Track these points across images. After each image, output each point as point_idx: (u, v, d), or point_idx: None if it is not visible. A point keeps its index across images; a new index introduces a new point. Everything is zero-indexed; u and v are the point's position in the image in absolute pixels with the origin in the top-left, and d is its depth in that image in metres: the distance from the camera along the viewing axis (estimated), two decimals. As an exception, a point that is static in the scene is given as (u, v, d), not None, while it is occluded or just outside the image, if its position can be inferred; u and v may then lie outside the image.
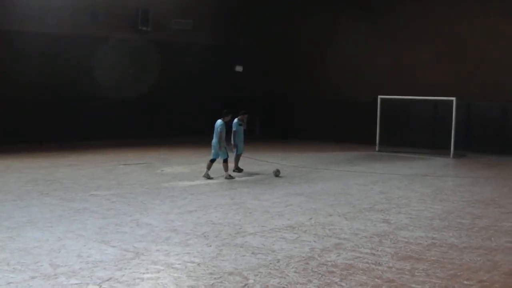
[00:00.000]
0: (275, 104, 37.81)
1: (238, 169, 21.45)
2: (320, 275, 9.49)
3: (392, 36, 33.23)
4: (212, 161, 20.42)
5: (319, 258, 10.30)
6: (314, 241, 11.45)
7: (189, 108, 36.05)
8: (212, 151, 20.43)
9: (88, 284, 9.03)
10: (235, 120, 21.26)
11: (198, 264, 9.93)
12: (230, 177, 20.17)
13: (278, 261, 10.11)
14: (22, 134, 29.54)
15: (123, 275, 9.41)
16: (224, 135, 20.25)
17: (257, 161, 25.07)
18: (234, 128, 21.19)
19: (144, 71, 33.53)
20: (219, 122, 20.32)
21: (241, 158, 22.01)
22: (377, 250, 10.88)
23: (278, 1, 37.54)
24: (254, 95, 37.71)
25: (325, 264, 9.96)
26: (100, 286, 8.96)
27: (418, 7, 32.51)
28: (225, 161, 20.24)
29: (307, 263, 9.99)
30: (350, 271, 9.63)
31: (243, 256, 10.39)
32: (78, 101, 31.65)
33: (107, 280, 9.19)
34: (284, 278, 9.36)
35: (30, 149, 27.22)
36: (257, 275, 9.46)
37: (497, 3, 30.15)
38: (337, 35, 35.25)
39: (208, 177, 20.04)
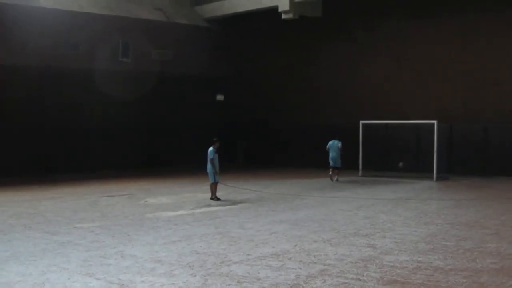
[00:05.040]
0: (257, 132, 37.92)
1: (216, 198, 21.55)
2: (306, 302, 9.46)
3: (372, 60, 33.49)
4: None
5: (304, 285, 10.24)
6: (300, 268, 11.40)
7: (170, 138, 36.03)
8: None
9: (73, 317, 8.95)
10: (210, 148, 21.64)
11: (184, 295, 9.88)
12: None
13: (264, 289, 10.07)
14: (4, 167, 29.50)
15: (108, 307, 9.33)
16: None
17: (240, 189, 25.05)
18: (211, 156, 21.63)
19: (125, 102, 33.47)
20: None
21: (224, 187, 22.04)
22: (363, 275, 10.84)
23: (257, 31, 37.76)
24: (236, 124, 37.85)
25: (311, 291, 9.93)
26: (85, 319, 8.89)
27: (397, 31, 32.80)
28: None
29: (293, 290, 9.96)
30: (336, 297, 9.61)
31: (229, 285, 10.32)
32: (60, 133, 31.62)
33: (92, 313, 9.11)
34: (270, 306, 9.34)
35: (12, 183, 27.08)
36: (243, 303, 9.41)
37: (476, 25, 30.43)
38: (318, 61, 35.57)
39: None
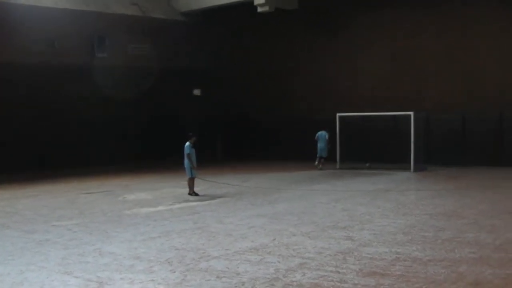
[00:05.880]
0: (237, 126, 37.92)
1: (194, 193, 21.50)
2: (286, 296, 9.46)
3: (352, 53, 33.57)
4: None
5: (284, 279, 10.24)
6: (279, 262, 11.40)
7: (148, 133, 35.85)
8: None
9: (51, 316, 8.89)
10: (187, 143, 21.49)
11: (163, 291, 9.85)
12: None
13: (243, 283, 10.04)
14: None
15: (87, 305, 9.28)
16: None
17: (219, 184, 25.03)
18: (187, 151, 21.48)
19: (102, 98, 33.21)
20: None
21: (203, 182, 22.02)
22: (342, 268, 10.86)
23: (234, 24, 37.71)
24: (215, 118, 37.82)
25: (291, 285, 9.91)
26: (64, 318, 8.83)
27: (374, 22, 32.86)
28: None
29: (273, 284, 9.93)
30: (316, 290, 9.60)
31: (208, 280, 10.30)
32: (36, 129, 31.36)
33: (71, 312, 9.06)
34: (250, 300, 9.33)
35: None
36: (223, 299, 9.40)
37: (451, 14, 30.57)
38: (297, 54, 35.63)
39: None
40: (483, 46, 29.84)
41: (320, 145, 30.50)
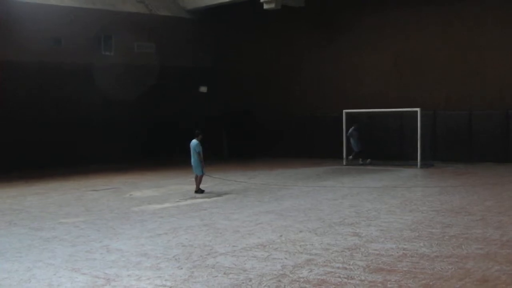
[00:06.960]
0: (242, 124, 37.86)
1: (200, 190, 21.47)
2: (293, 292, 9.46)
3: (356, 51, 33.45)
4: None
5: (291, 275, 10.24)
6: (286, 258, 11.40)
7: (154, 131, 35.83)
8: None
9: (59, 313, 8.90)
10: (195, 141, 21.43)
11: (170, 288, 9.87)
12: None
13: (250, 280, 10.04)
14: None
15: (95, 302, 9.29)
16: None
17: (226, 181, 25.03)
18: (198, 150, 21.37)
19: (108, 96, 33.23)
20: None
21: (210, 179, 22.00)
22: (349, 264, 10.85)
23: (241, 22, 37.65)
24: (221, 115, 37.78)
25: (298, 281, 9.90)
26: (72, 314, 8.84)
27: (380, 21, 32.77)
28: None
29: (280, 281, 9.93)
30: (323, 286, 9.57)
31: (215, 277, 10.31)
32: (42, 127, 31.38)
33: (79, 308, 9.07)
34: (257, 296, 9.33)
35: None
36: (230, 295, 9.40)
37: (455, 13, 30.49)
38: (303, 52, 35.50)
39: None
40: (487, 44, 29.74)
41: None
